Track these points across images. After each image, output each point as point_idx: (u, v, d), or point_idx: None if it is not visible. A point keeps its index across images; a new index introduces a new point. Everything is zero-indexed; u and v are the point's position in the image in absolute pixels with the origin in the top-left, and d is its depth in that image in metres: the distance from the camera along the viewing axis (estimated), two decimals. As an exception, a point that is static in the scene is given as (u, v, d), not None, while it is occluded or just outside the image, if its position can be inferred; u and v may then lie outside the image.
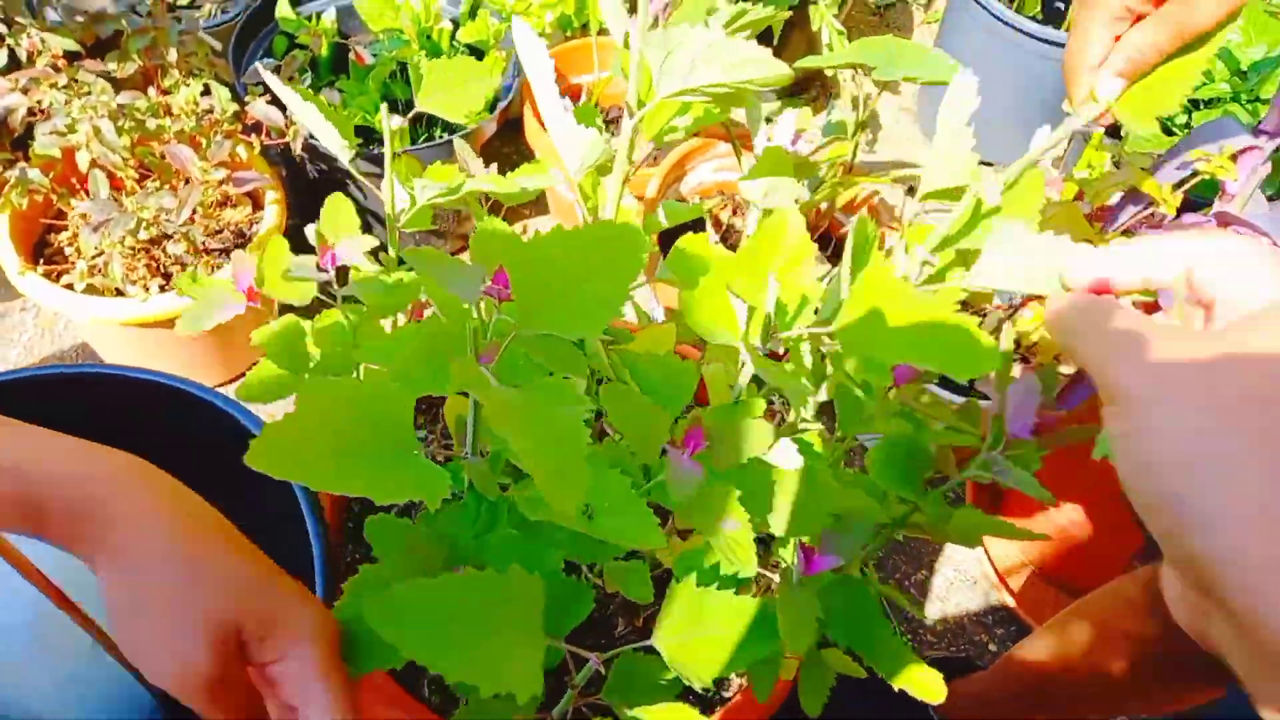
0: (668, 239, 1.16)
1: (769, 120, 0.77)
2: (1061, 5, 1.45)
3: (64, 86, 0.87)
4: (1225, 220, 0.91)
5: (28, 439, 0.44)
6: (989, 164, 1.66)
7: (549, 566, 0.48)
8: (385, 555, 0.45)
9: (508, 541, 0.48)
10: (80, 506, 0.41)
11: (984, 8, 1.40)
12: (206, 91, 0.95)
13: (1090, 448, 0.43)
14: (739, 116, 0.74)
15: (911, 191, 1.39)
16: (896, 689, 0.54)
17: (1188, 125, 1.26)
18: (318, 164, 1.14)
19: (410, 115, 0.76)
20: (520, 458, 0.33)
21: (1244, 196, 0.93)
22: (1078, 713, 0.78)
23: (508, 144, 1.44)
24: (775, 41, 1.52)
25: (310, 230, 0.68)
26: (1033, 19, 1.42)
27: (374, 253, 0.70)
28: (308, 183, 1.16)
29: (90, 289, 0.94)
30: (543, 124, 0.63)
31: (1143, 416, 0.30)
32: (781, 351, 0.50)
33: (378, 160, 1.03)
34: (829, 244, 1.18)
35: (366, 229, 0.77)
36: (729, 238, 1.17)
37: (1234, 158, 0.92)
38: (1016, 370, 0.83)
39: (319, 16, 1.20)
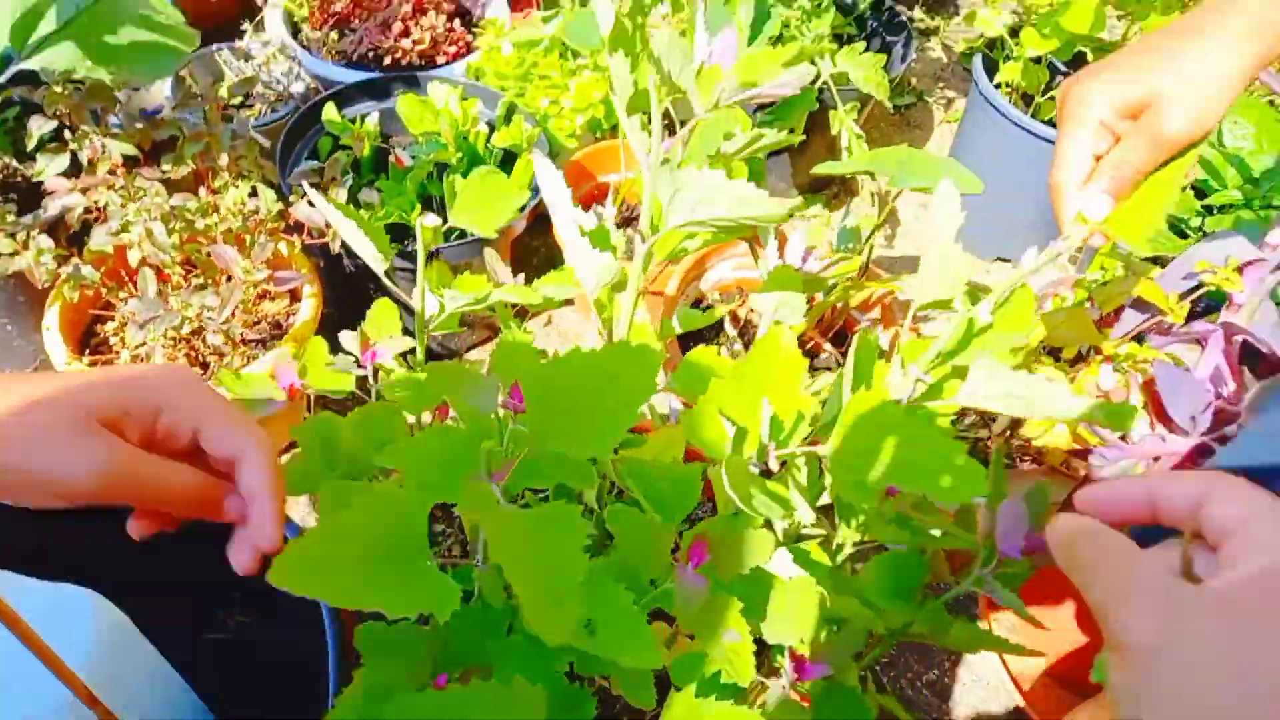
0: (689, 337, 1.19)
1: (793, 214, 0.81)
2: (1076, 109, 1.49)
3: (120, 188, 0.93)
4: (1232, 330, 0.93)
5: None
6: (1006, 260, 1.69)
7: (550, 674, 0.50)
8: (376, 659, 0.47)
9: (512, 648, 0.50)
10: None
11: (1000, 112, 1.45)
12: (254, 192, 1.01)
13: None
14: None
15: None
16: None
17: (1201, 229, 1.29)
18: (354, 259, 1.19)
19: (444, 228, 0.80)
20: (513, 586, 0.36)
21: (1251, 307, 0.95)
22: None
23: (537, 238, 1.49)
24: (797, 145, 1.58)
25: (345, 336, 0.72)
26: (1049, 122, 1.46)
27: (403, 354, 0.74)
28: (344, 275, 1.22)
29: (134, 376, 0.99)
30: (567, 234, 0.67)
31: (1149, 673, 0.30)
32: (778, 466, 0.52)
33: (411, 257, 1.07)
34: (844, 340, 1.21)
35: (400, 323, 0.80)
36: (747, 333, 1.20)
37: (1240, 269, 0.94)
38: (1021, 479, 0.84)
39: (363, 119, 1.27)
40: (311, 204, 1.00)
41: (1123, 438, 0.93)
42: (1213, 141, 1.35)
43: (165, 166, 0.98)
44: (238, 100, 1.44)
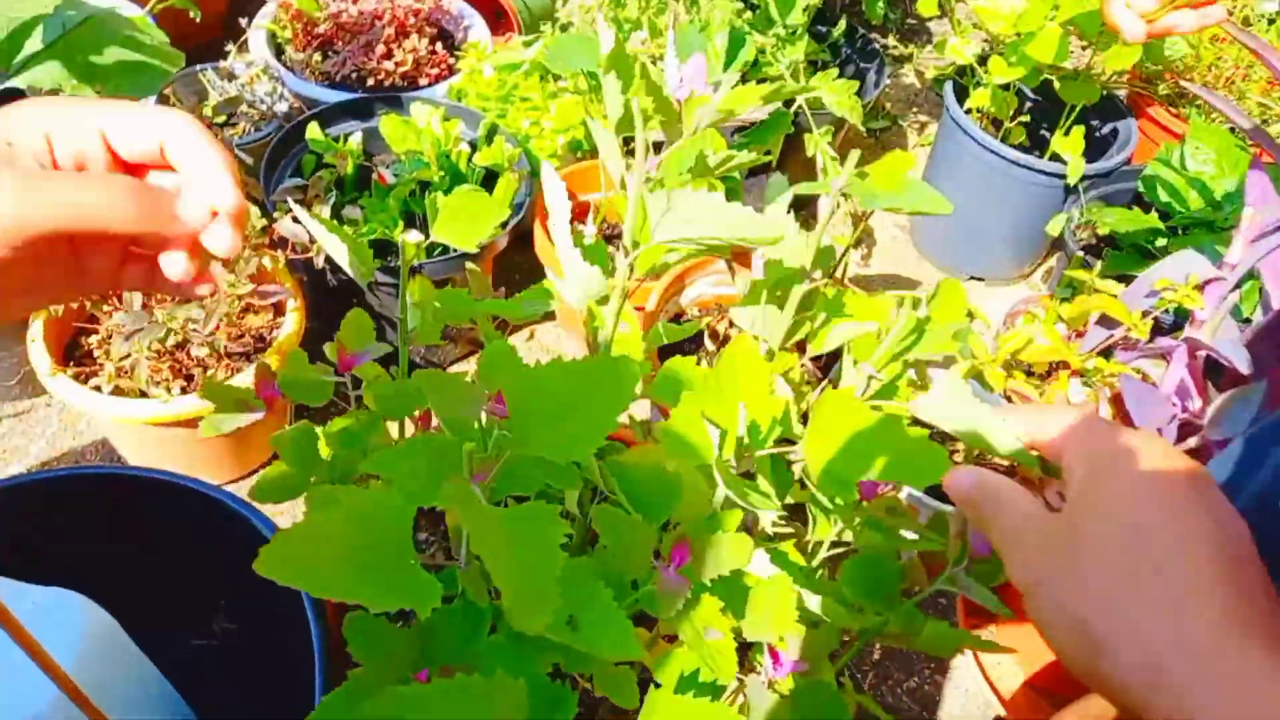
0: (669, 351, 1.21)
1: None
2: (1047, 134, 1.53)
3: (107, 204, 0.94)
4: (1195, 346, 0.96)
5: None
6: (980, 279, 1.72)
7: (533, 671, 0.51)
8: (364, 658, 0.48)
9: (495, 648, 0.51)
10: None
11: (972, 137, 1.49)
12: (237, 209, 1.02)
13: None
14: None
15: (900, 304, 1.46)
16: (869, 799, 0.56)
17: (1166, 249, 1.33)
18: (338, 274, 1.20)
19: (426, 243, 0.82)
20: (494, 577, 0.37)
21: (1214, 323, 0.98)
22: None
23: (519, 254, 1.51)
24: (775, 164, 1.61)
25: (327, 347, 0.73)
26: (1019, 146, 1.50)
27: (385, 364, 0.76)
28: (328, 289, 1.23)
29: (116, 390, 0.99)
30: (551, 241, 0.69)
31: (1033, 603, 0.38)
32: (753, 469, 0.54)
33: (394, 272, 1.09)
34: (828, 361, 1.23)
35: (380, 334, 0.82)
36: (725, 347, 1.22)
37: (1200, 287, 0.97)
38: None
39: (346, 138, 1.29)
40: (295, 219, 1.01)
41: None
42: (1175, 165, 1.39)
43: (150, 182, 0.99)
44: (222, 119, 1.45)
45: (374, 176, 1.25)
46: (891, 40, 2.17)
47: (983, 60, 1.48)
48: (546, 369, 0.51)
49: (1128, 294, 1.03)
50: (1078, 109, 1.46)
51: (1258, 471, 0.54)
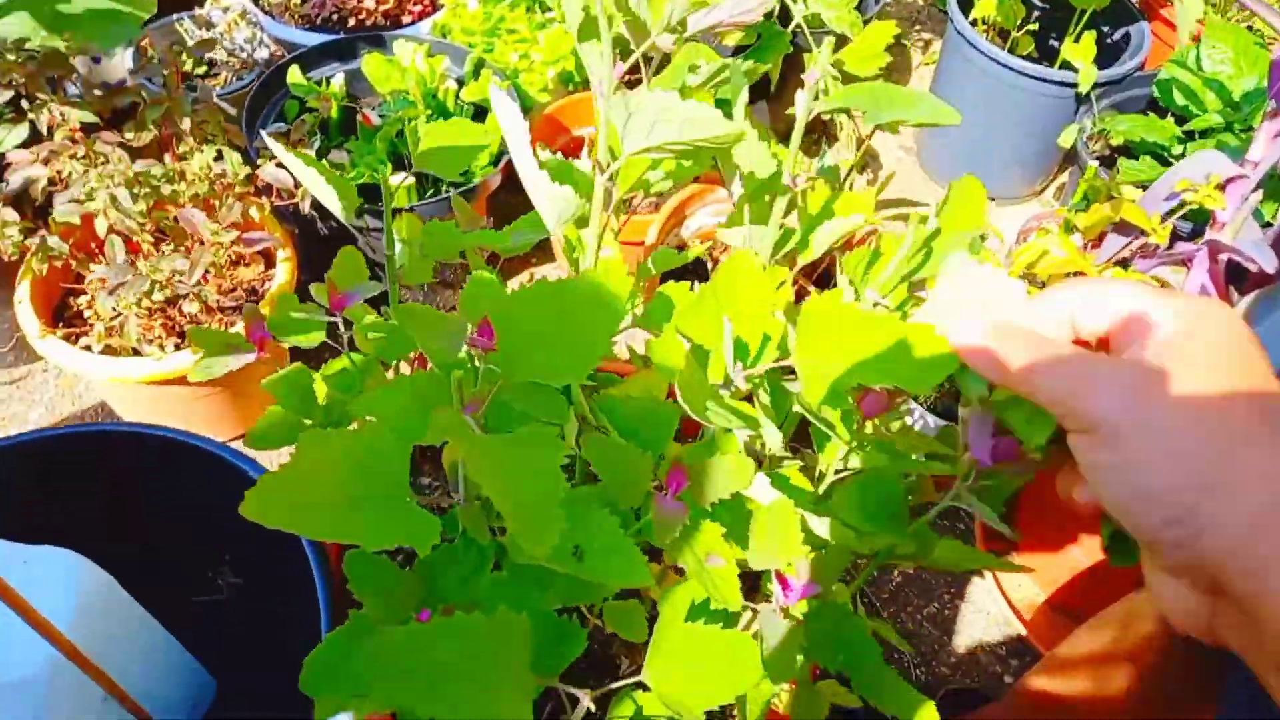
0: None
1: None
2: (1055, 43, 1.48)
3: (82, 157, 0.91)
4: (1216, 249, 0.92)
5: None
6: (991, 199, 1.68)
7: (538, 608, 0.49)
8: (365, 595, 0.47)
9: (496, 584, 0.50)
10: None
11: (978, 49, 1.43)
12: (219, 157, 0.99)
13: None
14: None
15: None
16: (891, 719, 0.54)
17: (1183, 155, 1.28)
18: (328, 222, 1.17)
19: (411, 174, 0.79)
20: (494, 501, 0.35)
21: (1235, 225, 0.94)
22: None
23: (513, 194, 1.47)
24: (774, 89, 1.56)
25: (314, 288, 0.70)
26: (1027, 57, 1.44)
27: (376, 306, 0.73)
28: (319, 239, 1.20)
29: (108, 350, 0.97)
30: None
31: (1136, 447, 0.34)
32: (747, 389, 0.51)
33: (382, 216, 1.06)
34: (829, 281, 1.20)
35: (374, 279, 0.79)
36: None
37: (1221, 187, 0.93)
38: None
39: (328, 81, 1.25)
40: (280, 165, 0.98)
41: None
42: (1191, 67, 1.33)
43: (127, 134, 0.96)
44: (202, 70, 1.41)
45: (359, 119, 1.21)
46: (891, -45, 2.09)
47: (987, -34, 1.42)
48: (528, 291, 0.48)
49: (1146, 199, 0.99)
50: (1087, 14, 1.40)
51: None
